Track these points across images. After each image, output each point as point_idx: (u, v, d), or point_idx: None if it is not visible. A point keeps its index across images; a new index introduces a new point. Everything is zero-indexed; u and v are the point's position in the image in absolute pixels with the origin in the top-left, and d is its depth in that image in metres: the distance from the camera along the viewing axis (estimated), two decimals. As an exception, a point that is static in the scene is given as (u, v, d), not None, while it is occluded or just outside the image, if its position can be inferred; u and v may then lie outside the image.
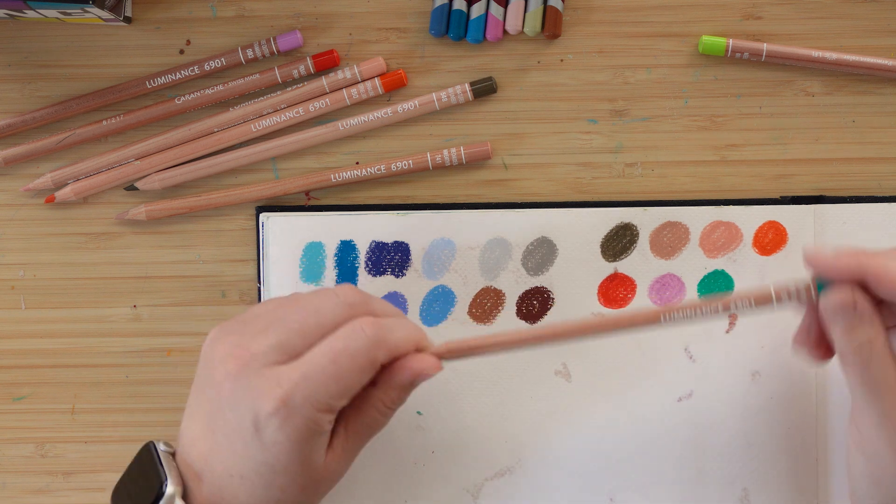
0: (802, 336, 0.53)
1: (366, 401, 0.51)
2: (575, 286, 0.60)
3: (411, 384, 0.51)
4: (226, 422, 0.49)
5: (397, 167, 0.60)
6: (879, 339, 0.50)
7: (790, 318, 0.54)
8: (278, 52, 0.60)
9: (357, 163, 0.61)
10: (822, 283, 0.51)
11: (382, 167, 0.60)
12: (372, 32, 0.61)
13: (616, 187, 0.61)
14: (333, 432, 0.51)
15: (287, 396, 0.48)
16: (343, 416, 0.51)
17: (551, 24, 0.60)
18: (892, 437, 0.50)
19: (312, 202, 0.61)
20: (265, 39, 0.60)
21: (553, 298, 0.60)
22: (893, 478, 0.50)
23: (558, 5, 0.60)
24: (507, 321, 0.60)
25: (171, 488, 0.50)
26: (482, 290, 0.60)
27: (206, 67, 0.60)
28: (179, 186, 0.61)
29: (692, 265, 0.60)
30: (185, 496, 0.50)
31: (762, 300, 0.51)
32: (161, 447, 0.51)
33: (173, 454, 0.52)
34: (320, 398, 0.48)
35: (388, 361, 0.50)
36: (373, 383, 0.51)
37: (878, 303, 0.51)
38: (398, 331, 0.50)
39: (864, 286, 0.50)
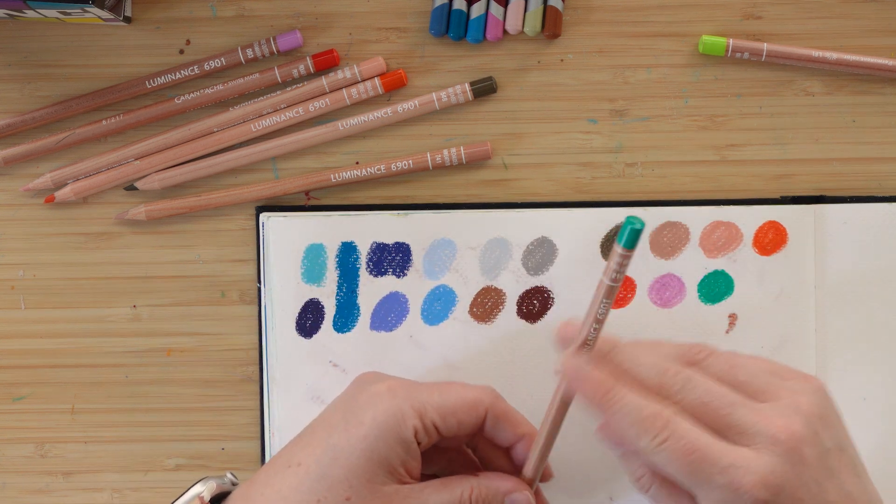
0: None
1: (451, 482, 0.51)
2: (575, 286, 0.60)
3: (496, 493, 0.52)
4: (324, 417, 0.52)
5: (397, 167, 0.60)
6: (647, 477, 0.50)
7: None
8: (278, 51, 0.60)
9: (357, 163, 0.61)
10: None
11: (382, 167, 0.60)
12: (372, 32, 0.61)
13: (616, 187, 0.61)
14: (407, 485, 0.50)
15: (394, 385, 0.51)
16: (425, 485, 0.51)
17: (551, 24, 0.60)
18: None
19: (312, 202, 0.61)
20: (265, 39, 0.60)
21: (553, 298, 0.60)
22: None
23: (558, 5, 0.60)
24: (508, 321, 0.60)
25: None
26: (483, 289, 0.60)
27: (206, 67, 0.60)
28: (179, 186, 0.61)
29: (692, 265, 0.60)
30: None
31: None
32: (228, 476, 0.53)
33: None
34: (421, 397, 0.50)
35: (491, 423, 0.52)
36: (475, 474, 0.52)
37: None
38: (515, 412, 0.53)
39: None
